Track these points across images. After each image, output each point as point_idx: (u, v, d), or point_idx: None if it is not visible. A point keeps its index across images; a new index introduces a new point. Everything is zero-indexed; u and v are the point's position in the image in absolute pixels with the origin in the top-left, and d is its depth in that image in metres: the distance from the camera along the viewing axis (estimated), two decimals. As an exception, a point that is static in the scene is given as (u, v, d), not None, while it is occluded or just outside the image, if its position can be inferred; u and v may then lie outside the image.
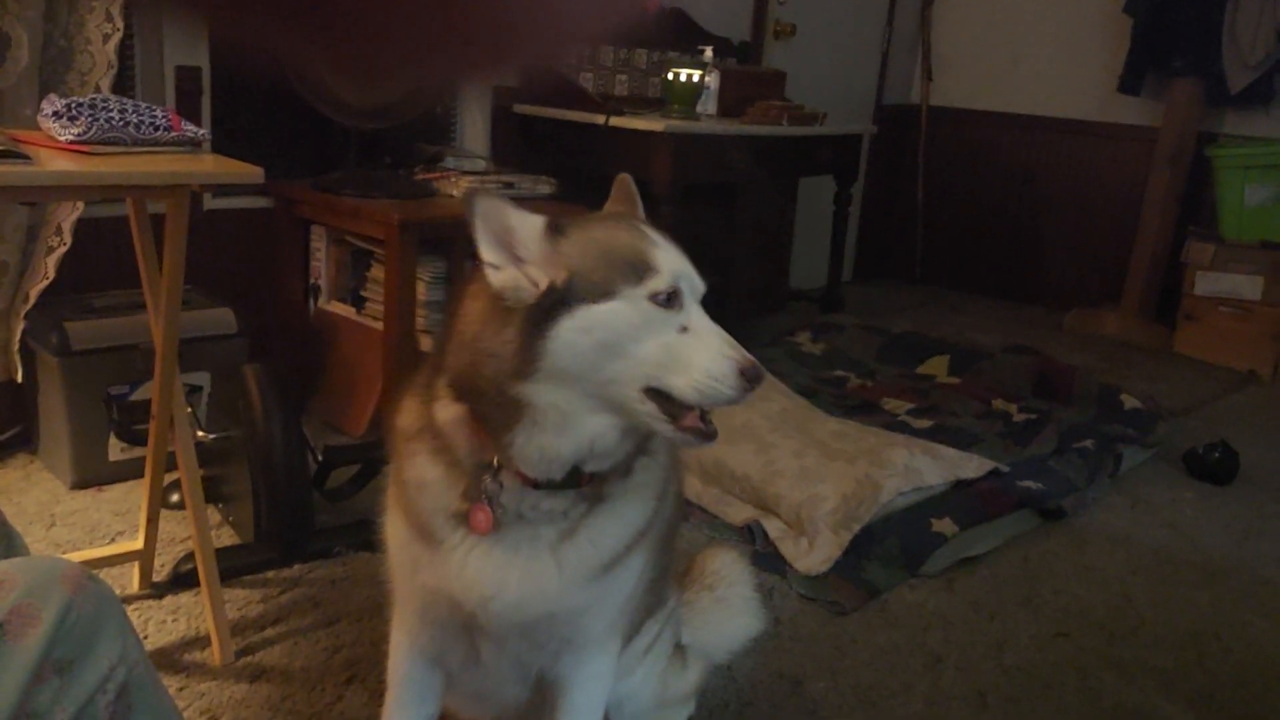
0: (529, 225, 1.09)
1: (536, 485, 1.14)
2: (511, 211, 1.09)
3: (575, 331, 1.06)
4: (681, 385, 1.07)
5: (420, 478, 1.19)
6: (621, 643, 1.39)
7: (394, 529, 1.27)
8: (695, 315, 1.11)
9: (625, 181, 1.31)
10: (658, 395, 1.08)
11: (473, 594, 1.19)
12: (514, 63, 0.38)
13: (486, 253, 1.08)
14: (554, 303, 1.06)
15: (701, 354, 1.08)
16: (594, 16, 0.38)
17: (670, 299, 1.09)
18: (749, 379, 1.08)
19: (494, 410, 1.10)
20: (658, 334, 1.08)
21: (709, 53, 3.89)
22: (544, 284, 1.07)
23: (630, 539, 1.22)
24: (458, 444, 1.16)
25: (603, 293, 1.07)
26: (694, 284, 1.13)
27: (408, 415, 1.22)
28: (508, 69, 0.38)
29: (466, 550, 1.18)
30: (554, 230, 1.10)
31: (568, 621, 1.25)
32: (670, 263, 1.11)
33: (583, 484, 1.15)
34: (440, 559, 1.20)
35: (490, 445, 1.13)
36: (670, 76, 3.61)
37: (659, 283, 1.08)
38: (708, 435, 1.10)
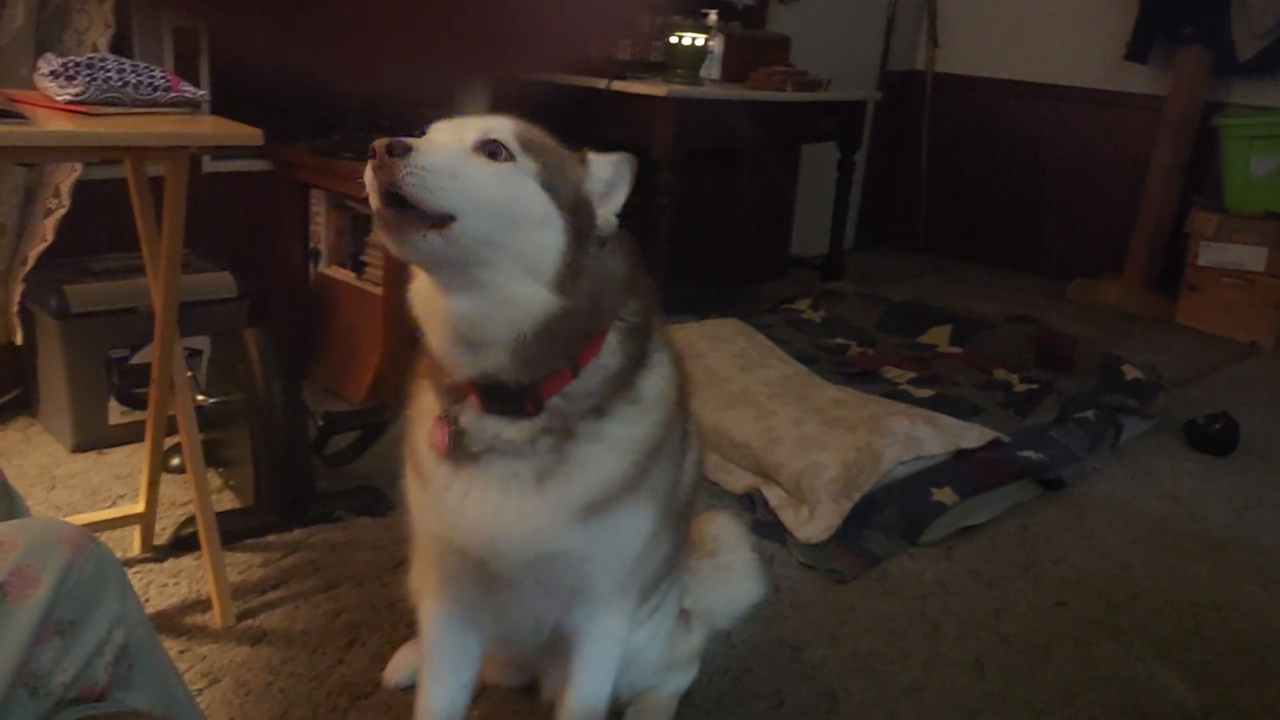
0: None
1: (488, 409, 1.18)
2: None
3: None
4: None
5: (419, 412, 1.27)
6: (635, 604, 1.41)
7: (409, 481, 1.32)
8: None
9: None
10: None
11: (475, 537, 1.23)
12: (522, 65, 0.37)
13: None
14: None
15: None
16: (606, 17, 0.37)
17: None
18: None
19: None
20: None
21: (713, 16, 3.84)
22: None
23: (613, 487, 1.23)
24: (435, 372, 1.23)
25: None
26: None
27: (425, 358, 1.27)
28: (516, 70, 0.36)
29: (460, 494, 1.22)
30: None
31: (569, 567, 1.27)
32: None
33: (528, 411, 1.17)
34: (434, 500, 1.24)
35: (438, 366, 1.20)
36: (673, 40, 3.57)
37: None
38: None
